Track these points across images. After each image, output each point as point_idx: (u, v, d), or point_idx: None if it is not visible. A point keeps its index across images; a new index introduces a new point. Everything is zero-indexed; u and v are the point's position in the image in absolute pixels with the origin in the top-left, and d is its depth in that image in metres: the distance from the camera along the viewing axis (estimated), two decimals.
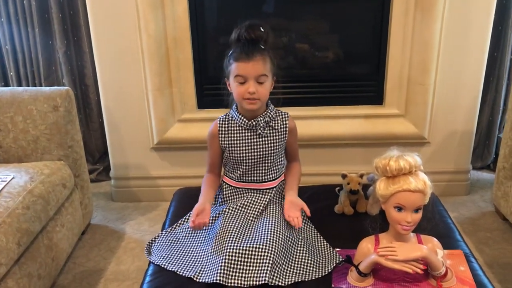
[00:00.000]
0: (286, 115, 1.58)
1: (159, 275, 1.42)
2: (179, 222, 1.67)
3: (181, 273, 1.41)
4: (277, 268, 1.34)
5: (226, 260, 1.32)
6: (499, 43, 2.54)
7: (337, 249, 1.49)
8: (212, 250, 1.41)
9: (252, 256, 1.33)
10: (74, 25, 2.57)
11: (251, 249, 1.34)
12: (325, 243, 1.53)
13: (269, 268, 1.31)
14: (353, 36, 2.45)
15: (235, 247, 1.35)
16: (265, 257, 1.33)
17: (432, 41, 2.24)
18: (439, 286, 1.29)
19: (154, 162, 2.54)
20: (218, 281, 1.30)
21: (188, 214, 1.67)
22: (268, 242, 1.36)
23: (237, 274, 1.31)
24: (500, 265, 2.00)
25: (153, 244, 1.58)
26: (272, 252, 1.34)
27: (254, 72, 1.44)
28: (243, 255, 1.33)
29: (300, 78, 2.48)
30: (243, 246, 1.35)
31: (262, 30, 1.46)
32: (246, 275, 1.31)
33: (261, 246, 1.35)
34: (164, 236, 1.61)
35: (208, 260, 1.41)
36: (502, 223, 2.30)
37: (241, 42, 1.46)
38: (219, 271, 1.31)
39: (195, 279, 1.37)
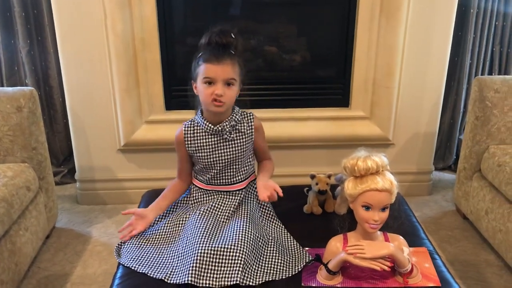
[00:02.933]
0: (251, 116, 1.60)
1: (129, 277, 1.41)
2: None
3: (151, 275, 1.40)
4: (248, 268, 1.35)
5: (197, 261, 1.32)
6: (459, 48, 2.63)
7: (307, 248, 1.51)
8: (183, 251, 1.41)
9: (223, 257, 1.34)
10: (38, 24, 2.51)
11: (222, 249, 1.35)
12: (294, 243, 1.55)
13: (240, 268, 1.32)
14: (320, 39, 2.50)
15: (206, 248, 1.35)
16: (236, 257, 1.33)
17: (396, 45, 2.31)
18: (405, 283, 1.33)
19: (121, 164, 2.51)
20: (189, 282, 1.30)
21: (158, 217, 1.66)
22: (238, 242, 1.37)
23: (208, 274, 1.31)
24: (461, 262, 2.07)
25: (123, 246, 1.56)
26: (243, 252, 1.35)
27: (223, 75, 1.44)
28: (214, 256, 1.34)
29: (268, 80, 2.51)
30: (214, 247, 1.36)
31: (233, 36, 1.47)
32: (217, 276, 1.31)
33: (231, 247, 1.35)
34: (134, 238, 1.59)
35: (178, 261, 1.40)
36: (463, 221, 2.38)
37: (211, 46, 1.46)
38: (190, 271, 1.31)
39: (166, 280, 1.37)
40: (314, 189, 1.68)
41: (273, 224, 1.62)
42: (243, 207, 1.57)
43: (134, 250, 1.51)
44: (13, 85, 2.52)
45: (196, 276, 1.30)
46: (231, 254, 1.34)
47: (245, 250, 1.36)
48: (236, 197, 1.59)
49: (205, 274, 1.31)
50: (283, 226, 1.62)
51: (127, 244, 1.55)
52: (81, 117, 2.39)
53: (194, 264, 1.32)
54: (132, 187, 2.53)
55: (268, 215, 1.64)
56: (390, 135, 2.49)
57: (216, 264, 1.33)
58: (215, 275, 1.31)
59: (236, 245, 1.36)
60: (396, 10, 2.25)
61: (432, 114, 2.49)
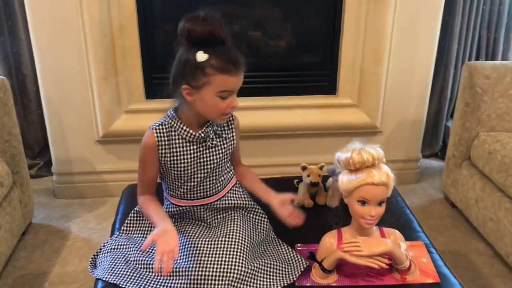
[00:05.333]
0: (231, 117, 1.40)
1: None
2: (124, 227, 1.51)
3: (123, 286, 1.27)
4: (241, 276, 1.25)
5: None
6: (445, 33, 2.58)
7: (299, 244, 1.44)
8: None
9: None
10: (8, 9, 2.36)
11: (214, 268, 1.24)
12: (289, 249, 1.42)
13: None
14: (307, 25, 2.42)
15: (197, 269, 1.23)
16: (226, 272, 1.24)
17: (385, 31, 2.25)
18: (403, 280, 1.27)
19: (100, 156, 2.40)
20: None
21: (130, 217, 1.51)
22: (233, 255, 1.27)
23: None
24: (452, 251, 2.05)
25: (98, 256, 1.43)
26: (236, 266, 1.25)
27: (239, 86, 1.26)
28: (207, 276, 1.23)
29: (253, 67, 2.31)
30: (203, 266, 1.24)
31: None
32: None
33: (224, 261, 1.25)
34: (108, 246, 1.45)
35: (155, 277, 1.28)
36: (451, 210, 2.35)
37: (224, 47, 1.23)
38: None
39: None
40: (306, 181, 1.62)
41: (266, 228, 1.47)
42: (231, 214, 1.42)
43: (108, 259, 1.38)
44: None
45: None
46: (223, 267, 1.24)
47: (239, 261, 1.26)
48: (214, 208, 1.41)
49: None
50: (272, 230, 1.49)
51: (102, 254, 1.43)
52: (57, 107, 2.27)
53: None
54: (112, 180, 2.43)
55: (258, 219, 1.48)
56: (378, 122, 2.44)
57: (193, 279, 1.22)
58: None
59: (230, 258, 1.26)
60: None
61: (420, 101, 2.45)
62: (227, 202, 1.43)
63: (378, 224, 1.33)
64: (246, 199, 1.48)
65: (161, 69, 2.28)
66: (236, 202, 1.44)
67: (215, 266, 1.24)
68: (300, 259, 1.36)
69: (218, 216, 1.43)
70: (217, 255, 1.27)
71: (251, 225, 1.43)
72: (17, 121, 2.04)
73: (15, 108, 2.01)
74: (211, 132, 1.34)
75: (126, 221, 1.52)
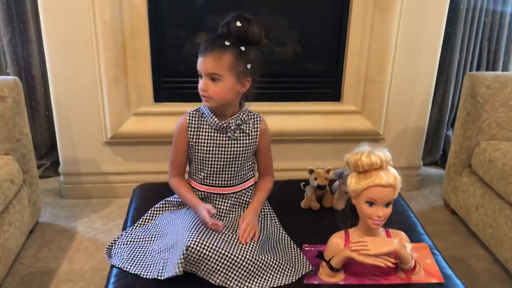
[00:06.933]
0: (258, 118, 1.51)
1: (123, 276, 1.35)
2: (140, 221, 1.59)
3: (143, 276, 1.34)
4: (239, 271, 1.31)
5: (184, 255, 1.27)
6: (448, 43, 2.64)
7: (306, 245, 1.48)
8: (173, 244, 1.36)
9: (213, 254, 1.29)
10: (20, 11, 2.40)
11: (212, 246, 1.30)
12: (295, 249, 1.46)
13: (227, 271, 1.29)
14: (312, 32, 2.47)
15: (195, 241, 1.29)
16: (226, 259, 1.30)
17: (389, 40, 2.30)
18: (408, 279, 1.31)
19: (107, 157, 2.43)
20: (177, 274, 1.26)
21: (148, 213, 1.60)
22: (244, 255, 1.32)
23: (196, 269, 1.29)
24: (451, 257, 2.08)
25: (113, 247, 1.50)
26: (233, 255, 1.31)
27: (205, 69, 1.36)
28: (202, 251, 1.28)
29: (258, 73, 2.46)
30: (203, 241, 1.29)
31: (239, 24, 1.34)
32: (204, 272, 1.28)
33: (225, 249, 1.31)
34: (125, 237, 1.52)
35: (169, 255, 1.35)
36: (451, 216, 2.39)
37: (213, 35, 1.39)
38: (178, 264, 1.26)
39: (159, 278, 1.31)
40: (313, 184, 1.66)
41: (273, 226, 1.55)
42: (240, 210, 1.51)
43: (126, 250, 1.45)
44: None
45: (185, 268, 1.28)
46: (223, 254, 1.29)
47: (237, 253, 1.31)
48: (228, 200, 1.50)
49: (193, 268, 1.28)
50: (283, 229, 1.55)
51: (118, 245, 1.49)
52: (66, 108, 2.31)
53: (182, 257, 1.27)
54: (119, 181, 2.46)
55: (266, 216, 1.57)
56: (381, 129, 2.48)
57: (204, 261, 1.28)
58: (202, 270, 1.28)
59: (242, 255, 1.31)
60: (390, 3, 2.23)
61: (422, 109, 2.49)
62: (241, 198, 1.52)
63: (384, 226, 1.37)
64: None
65: (170, 73, 2.36)
66: (249, 200, 1.53)
67: (230, 251, 1.30)
68: (305, 262, 1.39)
69: (233, 209, 1.51)
70: (231, 242, 1.34)
71: (263, 223, 1.51)
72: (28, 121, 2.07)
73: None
74: (233, 124, 1.44)
75: (145, 215, 1.59)
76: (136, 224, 1.58)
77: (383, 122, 2.47)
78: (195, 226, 1.36)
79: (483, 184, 2.10)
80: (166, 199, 1.62)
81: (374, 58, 2.35)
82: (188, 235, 1.30)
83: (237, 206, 1.52)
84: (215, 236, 1.34)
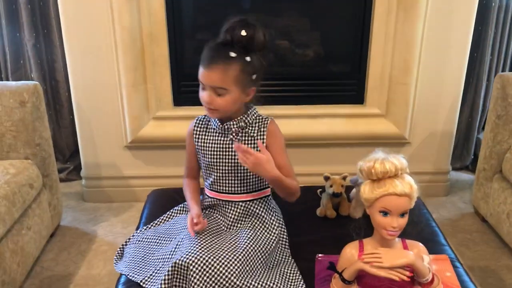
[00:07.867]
0: (266, 120, 1.43)
1: (133, 283, 1.34)
2: (156, 221, 1.59)
3: (131, 277, 1.34)
4: None
5: (169, 272, 1.24)
6: (478, 43, 2.53)
7: (320, 255, 1.43)
8: (168, 256, 1.33)
9: (198, 272, 1.24)
10: (44, 16, 2.45)
11: (200, 263, 1.25)
12: (297, 275, 1.37)
13: None
14: (335, 34, 2.41)
15: (184, 258, 1.25)
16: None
17: (414, 40, 2.21)
18: None
19: (128, 161, 2.44)
20: None
21: (165, 215, 1.59)
22: (227, 259, 1.27)
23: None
24: (481, 267, 1.98)
25: (126, 247, 1.51)
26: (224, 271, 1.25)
27: (210, 82, 1.31)
28: (187, 269, 1.24)
29: (280, 76, 2.42)
30: (193, 259, 1.25)
31: (244, 34, 1.29)
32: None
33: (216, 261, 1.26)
34: (135, 238, 1.53)
35: (163, 264, 1.32)
36: (482, 224, 2.28)
37: (215, 43, 1.34)
38: (162, 281, 1.24)
39: (142, 284, 1.30)
40: (328, 191, 1.60)
41: (278, 248, 1.45)
42: (247, 223, 1.44)
43: (130, 251, 1.46)
44: (19, 79, 2.47)
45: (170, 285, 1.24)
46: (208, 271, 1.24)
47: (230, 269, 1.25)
48: (236, 209, 1.44)
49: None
50: (290, 254, 1.46)
51: (130, 244, 1.51)
52: (87, 112, 2.33)
53: (167, 274, 1.24)
54: (139, 185, 2.47)
55: (274, 238, 1.44)
56: (407, 133, 2.40)
57: (190, 278, 1.23)
58: None
59: (224, 260, 1.26)
60: (415, 3, 2.15)
61: (450, 112, 2.39)
62: (252, 209, 1.45)
63: (403, 236, 1.31)
64: (272, 214, 1.47)
65: (189, 77, 2.34)
66: (260, 212, 1.45)
67: (212, 266, 1.24)
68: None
69: (241, 220, 1.45)
70: (216, 256, 1.27)
71: (263, 242, 1.40)
72: (49, 125, 2.10)
73: (47, 113, 2.06)
74: (235, 126, 1.40)
75: (161, 217, 1.59)
76: (149, 225, 1.58)
77: (409, 126, 2.38)
78: (190, 239, 1.32)
79: None
80: (185, 203, 1.60)
81: (398, 59, 2.27)
82: (183, 250, 1.28)
83: (246, 217, 1.45)
84: (207, 252, 1.27)
